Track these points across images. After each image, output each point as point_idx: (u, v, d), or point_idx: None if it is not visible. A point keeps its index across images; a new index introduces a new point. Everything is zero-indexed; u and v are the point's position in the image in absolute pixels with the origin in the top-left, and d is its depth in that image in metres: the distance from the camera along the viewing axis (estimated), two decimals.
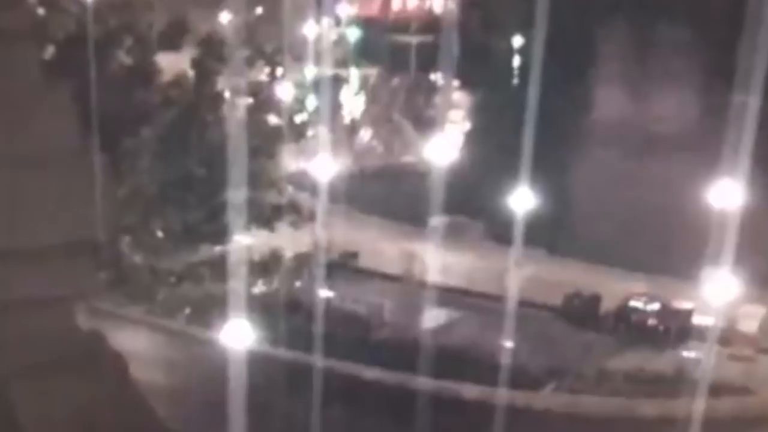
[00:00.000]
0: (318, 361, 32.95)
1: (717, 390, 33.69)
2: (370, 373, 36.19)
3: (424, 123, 67.30)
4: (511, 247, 40.47)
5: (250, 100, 45.27)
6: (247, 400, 26.65)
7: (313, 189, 45.20)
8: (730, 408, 34.06)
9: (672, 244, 45.76)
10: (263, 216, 41.33)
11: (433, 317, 41.02)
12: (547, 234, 46.68)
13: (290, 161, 49.33)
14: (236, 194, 36.35)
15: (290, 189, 45.78)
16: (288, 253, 41.34)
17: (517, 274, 41.07)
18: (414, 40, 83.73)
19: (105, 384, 5.29)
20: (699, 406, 31.17)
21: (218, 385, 28.23)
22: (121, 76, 44.38)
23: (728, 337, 38.77)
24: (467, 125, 69.34)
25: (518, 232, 39.02)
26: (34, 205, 4.91)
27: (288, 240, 42.03)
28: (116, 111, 39.64)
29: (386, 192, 56.91)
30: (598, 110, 77.45)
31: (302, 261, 41.22)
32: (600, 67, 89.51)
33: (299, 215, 42.96)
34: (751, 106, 33.30)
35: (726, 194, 36.62)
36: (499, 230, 46.35)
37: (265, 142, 43.39)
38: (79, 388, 5.19)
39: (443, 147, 52.40)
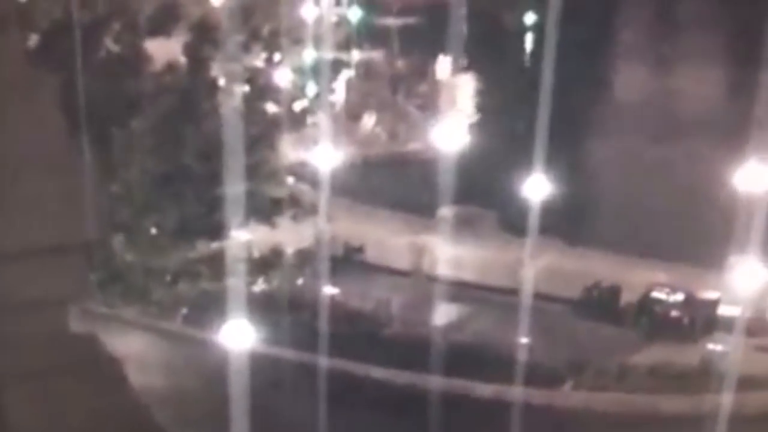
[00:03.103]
0: (323, 361, 33.19)
1: (745, 384, 33.80)
2: (379, 373, 36.44)
3: (431, 107, 67.32)
4: (526, 238, 40.60)
5: (247, 87, 45.33)
6: (250, 404, 26.93)
7: (314, 180, 45.37)
8: (760, 403, 34.18)
9: (696, 231, 45.78)
10: (263, 210, 41.45)
11: (444, 313, 41.15)
12: (564, 223, 46.73)
13: (290, 151, 49.44)
14: (234, 187, 36.55)
15: (291, 181, 45.88)
16: (289, 249, 41.51)
17: (533, 265, 41.23)
18: (419, 20, 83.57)
19: (101, 389, 5.35)
20: (727, 401, 31.31)
21: (219, 388, 28.53)
22: (109, 64, 44.47)
23: (756, 327, 38.82)
24: (477, 109, 69.35)
25: (533, 221, 39.15)
26: (21, 204, 4.95)
27: (289, 235, 42.20)
28: (105, 102, 39.79)
29: (392, 182, 56.94)
30: (617, 92, 77.27)
31: (304, 256, 41.37)
32: (619, 45, 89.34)
33: (301, 208, 43.05)
34: None
35: (752, 177, 36.69)
36: (512, 220, 46.43)
37: (263, 132, 43.52)
38: (74, 394, 5.25)
39: (452, 132, 52.49)
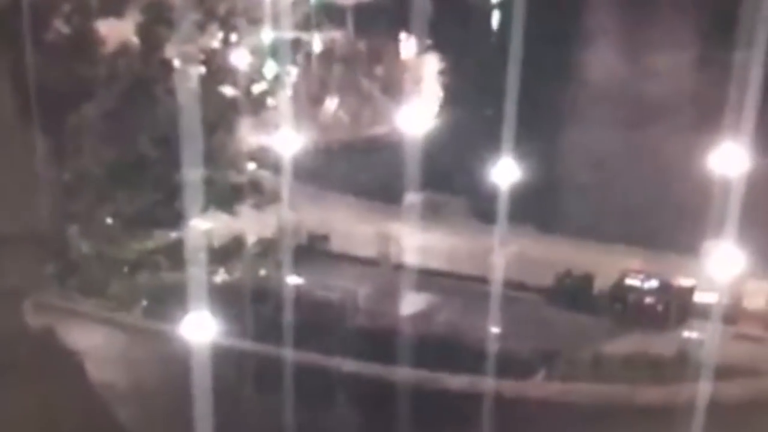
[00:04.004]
0: (288, 353, 33.28)
1: (723, 373, 34.09)
2: (346, 365, 36.54)
3: (395, 89, 67.35)
4: (496, 225, 40.73)
5: (203, 69, 45.21)
6: (213, 398, 27.00)
7: (276, 166, 45.34)
8: (738, 392, 34.50)
9: (670, 216, 46.09)
10: (222, 197, 41.47)
11: (412, 303, 41.33)
12: (535, 209, 46.94)
13: (249, 136, 49.33)
14: (192, 174, 36.50)
15: (251, 167, 45.82)
16: (251, 238, 41.53)
17: (503, 253, 41.39)
18: None
19: (59, 384, 5.43)
20: (704, 390, 31.62)
21: (181, 383, 28.55)
22: (59, 47, 44.19)
23: (734, 315, 39.22)
24: (443, 91, 69.44)
25: (503, 207, 39.29)
26: None
27: (251, 223, 42.21)
28: (56, 87, 39.59)
29: (357, 167, 56.97)
30: (590, 73, 77.52)
31: (267, 246, 41.44)
32: (591, 23, 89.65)
33: (262, 196, 43.08)
34: (753, 61, 33.58)
35: (728, 160, 36.93)
36: (481, 206, 46.59)
37: (220, 116, 43.48)
38: (32, 390, 5.33)
39: (417, 116, 52.57)
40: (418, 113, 53.59)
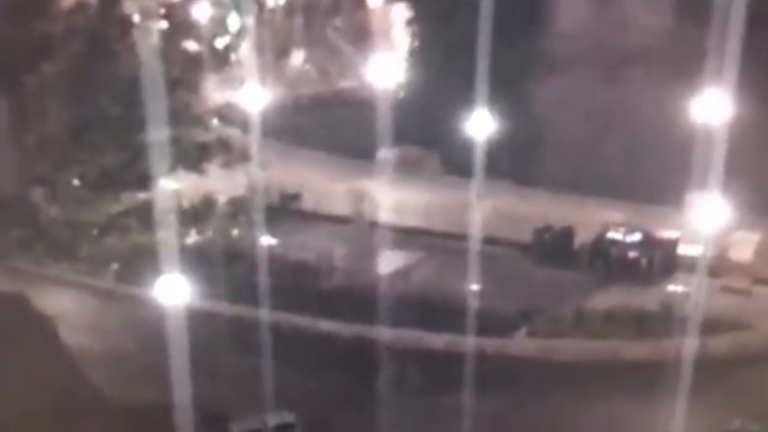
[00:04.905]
0: (264, 315, 33.44)
1: (710, 326, 34.49)
2: (323, 326, 36.78)
3: (363, 40, 67.18)
4: (472, 179, 40.85)
5: (164, 23, 45.07)
6: (187, 361, 27.22)
7: (243, 123, 45.28)
8: (725, 345, 34.94)
9: (652, 167, 46.33)
10: (190, 156, 41.47)
11: (388, 261, 41.51)
12: (512, 162, 47.05)
13: (214, 92, 49.17)
14: (157, 133, 36.51)
15: (217, 124, 45.76)
16: (221, 198, 41.60)
17: (480, 208, 41.55)
18: None
19: (32, 350, 5.51)
20: (690, 345, 31.98)
21: (155, 346, 28.76)
22: (14, 4, 43.90)
23: (719, 267, 39.51)
24: (414, 41, 69.29)
25: (479, 161, 39.39)
26: None
27: (220, 182, 42.24)
28: (13, 46, 39.40)
29: (326, 123, 56.90)
30: (564, 19, 77.43)
31: (238, 206, 41.51)
32: None
33: (230, 154, 43.09)
34: (735, 6, 33.68)
35: (711, 108, 37.09)
36: (457, 160, 46.69)
37: (184, 72, 43.39)
38: (5, 356, 5.40)
39: (387, 68, 52.55)
40: (387, 65, 53.52)
